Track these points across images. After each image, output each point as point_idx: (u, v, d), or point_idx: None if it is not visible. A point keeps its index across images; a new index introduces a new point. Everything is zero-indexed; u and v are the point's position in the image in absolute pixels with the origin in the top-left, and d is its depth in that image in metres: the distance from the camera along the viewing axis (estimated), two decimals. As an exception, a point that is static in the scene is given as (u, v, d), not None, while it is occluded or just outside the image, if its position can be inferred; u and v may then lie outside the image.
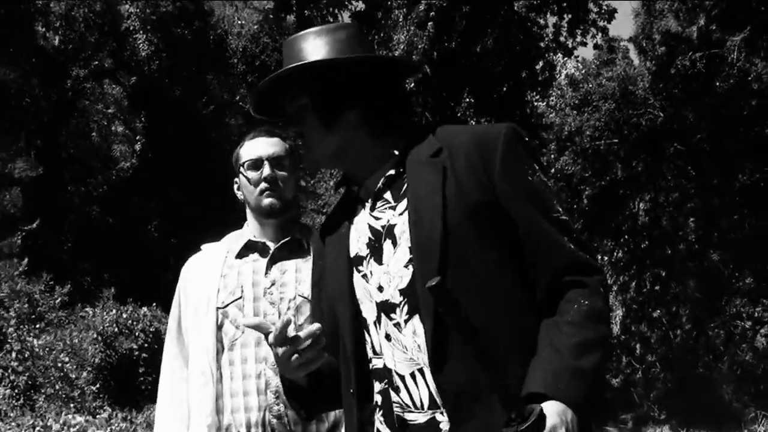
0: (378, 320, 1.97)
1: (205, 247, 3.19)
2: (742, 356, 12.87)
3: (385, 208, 2.01)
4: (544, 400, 1.69)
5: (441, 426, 1.86)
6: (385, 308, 1.95)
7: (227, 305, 2.95)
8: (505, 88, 14.09)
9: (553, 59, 15.02)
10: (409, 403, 1.91)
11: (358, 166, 2.05)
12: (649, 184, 15.95)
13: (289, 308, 2.93)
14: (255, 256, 3.02)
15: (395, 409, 1.94)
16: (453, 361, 1.82)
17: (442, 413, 1.86)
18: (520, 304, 1.86)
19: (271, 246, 3.01)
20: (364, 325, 2.01)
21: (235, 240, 3.11)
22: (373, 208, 2.03)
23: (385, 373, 1.96)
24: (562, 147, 15.93)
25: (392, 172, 2.01)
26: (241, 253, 3.03)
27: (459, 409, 1.84)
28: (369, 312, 2.00)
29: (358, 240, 2.05)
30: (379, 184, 2.03)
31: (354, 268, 2.04)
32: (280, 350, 1.93)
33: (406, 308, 1.91)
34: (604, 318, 1.85)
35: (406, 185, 1.97)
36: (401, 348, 1.92)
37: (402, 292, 1.92)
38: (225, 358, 2.94)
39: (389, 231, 1.98)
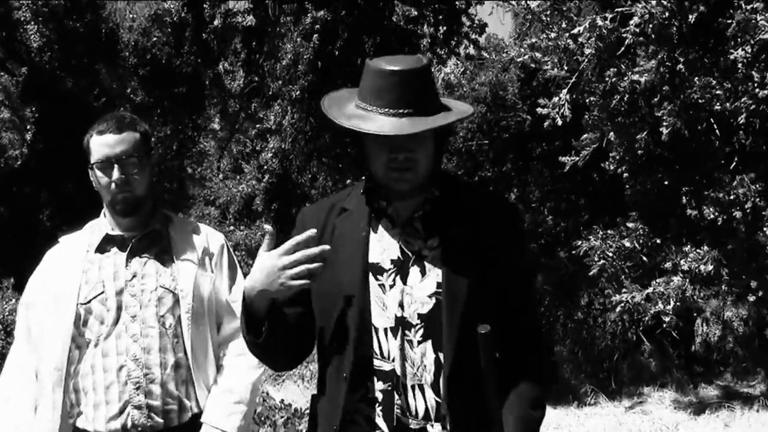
0: (395, 331, 2.35)
1: (63, 239, 3.28)
2: (583, 338, 15.45)
3: (417, 238, 2.41)
4: None
5: None
6: (403, 324, 2.34)
7: (90, 301, 3.06)
8: (385, 94, 16.11)
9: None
10: (407, 409, 2.35)
11: (404, 190, 2.43)
12: (516, 183, 18.29)
13: (150, 300, 3.07)
14: (115, 249, 3.14)
15: (396, 409, 2.35)
16: (464, 391, 2.31)
17: (432, 425, 2.34)
18: (498, 352, 2.30)
19: (130, 238, 3.14)
20: (369, 327, 2.37)
21: (93, 232, 3.22)
22: (403, 232, 2.42)
23: (392, 377, 2.35)
24: (437, 146, 18.02)
25: (428, 208, 2.42)
26: (101, 247, 3.15)
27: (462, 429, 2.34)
28: (381, 319, 2.37)
29: (382, 252, 2.41)
30: (416, 215, 2.43)
31: (371, 274, 2.40)
32: (286, 259, 2.23)
33: (421, 331, 2.33)
34: (545, 403, 2.40)
35: (440, 226, 2.39)
36: (410, 362, 2.34)
37: (420, 316, 2.34)
38: (89, 354, 3.06)
39: (419, 259, 2.38)
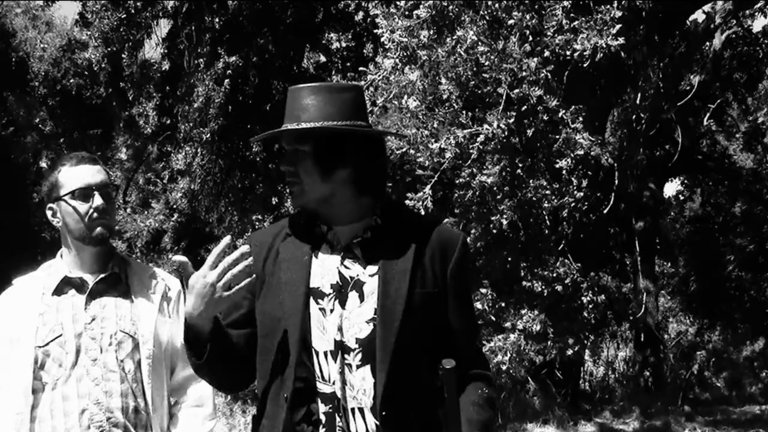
0: (334, 355, 2.47)
1: (17, 281, 3.32)
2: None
3: (355, 263, 2.53)
4: None
5: None
6: (342, 348, 2.47)
7: (48, 343, 3.12)
8: (293, 137, 17.43)
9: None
10: (348, 431, 2.46)
11: (335, 215, 2.56)
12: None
13: (110, 344, 3.14)
14: (73, 292, 3.21)
15: (338, 431, 2.47)
16: (396, 413, 2.43)
17: None
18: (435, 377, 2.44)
19: (89, 281, 3.22)
20: (310, 350, 2.49)
21: (49, 274, 3.27)
22: (343, 257, 2.54)
23: (333, 400, 2.47)
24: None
25: (368, 234, 2.55)
26: (59, 290, 3.21)
27: None
28: (320, 342, 2.49)
29: (322, 276, 2.53)
30: (355, 240, 2.55)
31: (312, 298, 2.51)
32: (213, 275, 2.39)
33: (360, 356, 2.46)
34: (495, 403, 2.57)
35: (379, 252, 2.52)
36: (349, 386, 2.46)
37: (358, 341, 2.46)
38: (46, 398, 3.10)
39: (357, 285, 2.50)
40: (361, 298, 2.50)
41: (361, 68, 8.53)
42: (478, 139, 6.95)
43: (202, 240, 17.05)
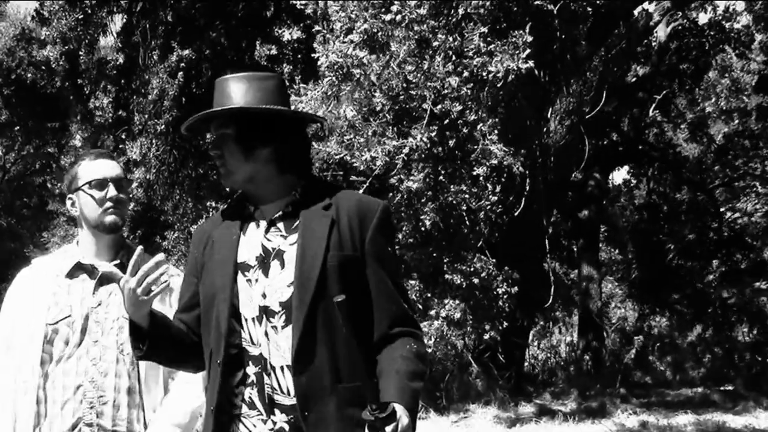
0: (260, 319, 2.73)
1: (36, 261, 3.69)
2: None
3: (278, 235, 2.79)
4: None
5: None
6: (267, 312, 2.72)
7: (58, 322, 3.46)
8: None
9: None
10: (278, 387, 2.72)
11: (261, 193, 2.83)
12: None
13: (112, 328, 3.49)
14: (84, 276, 3.54)
15: (266, 389, 2.72)
16: (309, 366, 2.67)
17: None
18: (360, 334, 2.70)
19: (100, 268, 3.52)
20: (240, 319, 2.76)
21: (65, 258, 3.61)
22: (267, 231, 2.81)
23: (261, 361, 2.72)
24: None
25: (289, 209, 2.81)
26: (71, 273, 3.54)
27: (306, 404, 2.66)
28: (248, 310, 2.75)
29: (248, 251, 2.79)
30: (276, 215, 2.81)
31: (239, 272, 2.78)
32: (133, 281, 2.66)
33: (284, 318, 2.70)
34: (425, 358, 2.78)
35: (298, 223, 2.77)
36: (275, 346, 2.71)
37: (281, 304, 2.71)
38: (51, 370, 3.46)
39: (279, 254, 2.76)
40: (282, 265, 2.75)
41: (302, 86, 9.56)
42: (404, 150, 8.14)
43: (157, 228, 17.90)
